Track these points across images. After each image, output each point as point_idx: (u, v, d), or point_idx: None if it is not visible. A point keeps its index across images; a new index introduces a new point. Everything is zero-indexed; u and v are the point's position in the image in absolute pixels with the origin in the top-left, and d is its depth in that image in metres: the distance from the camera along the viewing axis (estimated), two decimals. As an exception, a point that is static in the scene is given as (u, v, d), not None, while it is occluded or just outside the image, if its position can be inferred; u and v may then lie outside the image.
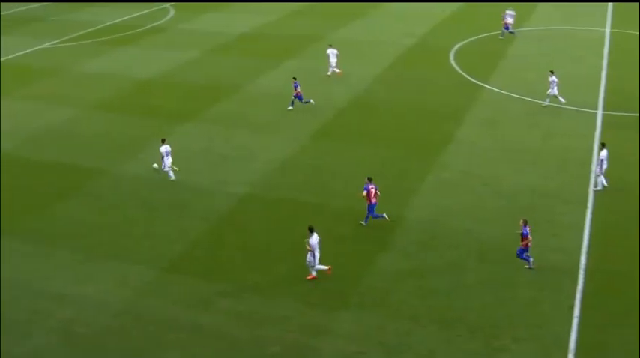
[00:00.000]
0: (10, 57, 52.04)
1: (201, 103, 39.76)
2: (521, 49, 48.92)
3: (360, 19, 59.18)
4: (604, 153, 27.91)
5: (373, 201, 25.82)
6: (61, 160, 32.83)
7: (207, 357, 19.78)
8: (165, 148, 30.04)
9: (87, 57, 50.93)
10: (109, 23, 62.18)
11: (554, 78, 36.79)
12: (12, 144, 35.12)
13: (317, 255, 22.88)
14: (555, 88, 36.88)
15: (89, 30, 59.81)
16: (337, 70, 43.57)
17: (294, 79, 38.03)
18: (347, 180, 29.76)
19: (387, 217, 26.15)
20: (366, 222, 26.19)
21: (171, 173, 30.16)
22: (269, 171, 30.85)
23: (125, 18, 63.97)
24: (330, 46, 44.21)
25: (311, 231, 22.86)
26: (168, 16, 64.12)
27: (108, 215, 27.64)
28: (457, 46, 49.48)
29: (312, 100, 37.97)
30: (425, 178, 29.79)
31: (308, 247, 22.88)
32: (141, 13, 65.99)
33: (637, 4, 59.81)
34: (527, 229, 22.72)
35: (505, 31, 51.63)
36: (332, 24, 57.20)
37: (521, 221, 22.91)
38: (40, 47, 54.58)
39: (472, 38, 51.48)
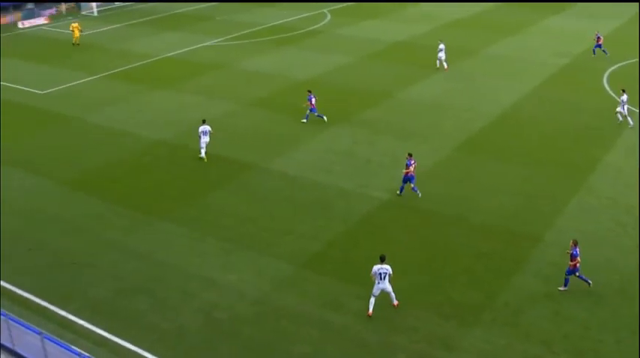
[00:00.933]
0: (178, 52, 54.77)
1: (351, 107, 40.13)
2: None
3: (515, 36, 57.61)
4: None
5: (412, 173, 28.76)
6: (217, 152, 34.15)
7: (335, 356, 19.98)
8: (203, 128, 32.93)
9: (248, 55, 52.71)
10: (270, 24, 64.02)
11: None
12: (175, 133, 36.97)
13: (380, 285, 21.37)
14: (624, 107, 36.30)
15: (251, 30, 61.82)
16: (445, 65, 46.99)
17: (309, 91, 37.73)
18: (488, 195, 29.13)
19: (419, 193, 28.85)
20: (414, 190, 28.90)
21: (202, 151, 33.01)
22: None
23: (286, 20, 65.62)
24: (440, 42, 48.13)
25: (382, 259, 21.40)
26: (325, 20, 65.16)
27: (254, 208, 28.51)
28: (612, 69, 47.14)
29: (325, 117, 37.57)
30: (568, 201, 28.62)
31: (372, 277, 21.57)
32: (301, 16, 67.46)
33: None
34: (577, 250, 22.26)
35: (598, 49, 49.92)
36: (486, 38, 56.04)
37: (572, 241, 22.48)
38: (205, 44, 57.03)
39: (630, 61, 48.86)
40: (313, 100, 37.32)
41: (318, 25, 62.96)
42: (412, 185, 28.94)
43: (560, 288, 22.67)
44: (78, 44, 58.44)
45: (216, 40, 58.08)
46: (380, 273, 21.31)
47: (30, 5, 72.13)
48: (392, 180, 30.61)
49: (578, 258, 22.30)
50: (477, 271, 23.84)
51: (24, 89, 45.80)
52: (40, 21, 69.04)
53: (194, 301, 22.52)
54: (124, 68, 50.43)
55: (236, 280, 23.59)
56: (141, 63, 51.82)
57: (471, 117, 38.32)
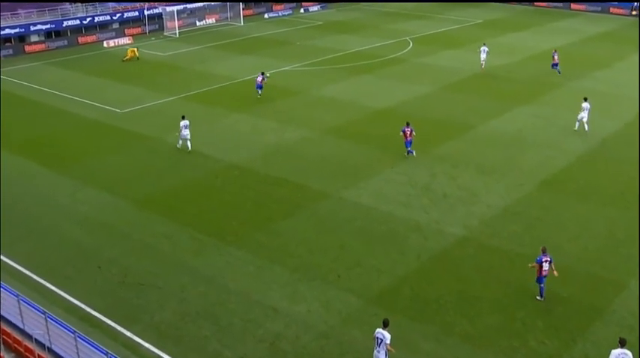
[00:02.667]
0: (256, 75, 55.42)
1: (430, 138, 39.68)
2: None
3: (604, 69, 56.18)
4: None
5: (409, 138, 36.24)
6: (290, 178, 34.24)
7: (401, 397, 19.47)
8: (183, 123, 37.48)
9: (326, 81, 52.97)
10: (350, 51, 64.30)
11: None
12: (247, 156, 37.29)
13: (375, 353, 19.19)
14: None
15: (331, 56, 62.21)
16: (482, 66, 55.00)
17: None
18: (570, 237, 28.16)
19: (414, 153, 36.39)
20: (410, 153, 36.21)
21: (180, 141, 37.56)
22: (489, 216, 29.98)
23: (367, 47, 65.78)
24: (484, 44, 56.20)
25: (385, 325, 19.39)
26: (408, 48, 65.02)
27: (324, 238, 28.32)
28: None
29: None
30: (657, 248, 27.37)
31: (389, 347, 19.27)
32: (382, 43, 67.51)
33: None
34: (542, 257, 23.48)
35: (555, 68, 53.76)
36: (574, 72, 54.69)
37: (541, 248, 24.06)
38: (284, 69, 57.66)
39: None
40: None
41: (400, 53, 62.85)
42: (408, 148, 36.36)
43: (537, 297, 23.73)
44: (126, 60, 61.51)
45: (294, 65, 58.65)
46: (376, 338, 19.29)
47: (115, 25, 74.69)
48: (469, 216, 29.98)
49: (537, 265, 23.55)
50: (554, 316, 22.95)
51: (103, 107, 47.16)
52: (125, 41, 71.26)
53: (258, 330, 22.39)
54: (202, 90, 51.39)
55: (302, 311, 23.37)
56: (219, 85, 52.73)
57: (553, 153, 37.33)
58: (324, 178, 34.31)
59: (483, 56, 55.53)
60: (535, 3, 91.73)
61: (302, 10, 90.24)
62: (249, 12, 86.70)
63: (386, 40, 69.01)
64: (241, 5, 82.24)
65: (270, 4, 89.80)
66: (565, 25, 77.73)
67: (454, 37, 70.50)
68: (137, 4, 77.29)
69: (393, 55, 62.11)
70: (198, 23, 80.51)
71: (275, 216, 30.27)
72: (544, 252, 23.86)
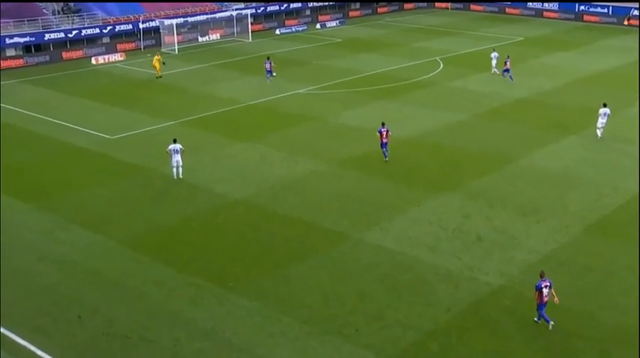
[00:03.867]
0: (265, 99, 55.88)
1: (463, 173, 39.64)
2: None
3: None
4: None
5: (384, 140, 40.70)
6: (302, 216, 34.23)
7: None
8: (173, 147, 38.41)
9: (344, 107, 53.20)
10: (373, 72, 64.63)
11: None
12: (254, 191, 37.38)
13: None
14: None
15: (351, 77, 62.58)
16: (497, 72, 61.37)
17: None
18: (625, 290, 27.85)
19: (387, 159, 40.79)
20: (385, 157, 40.84)
21: (174, 170, 38.43)
22: (530, 264, 29.76)
23: (391, 68, 66.13)
24: (494, 50, 63.69)
25: None
26: (437, 70, 65.30)
27: (341, 286, 28.19)
28: None
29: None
30: None
31: None
32: (408, 64, 67.88)
33: None
34: (542, 283, 24.61)
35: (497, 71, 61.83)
36: (620, 98, 54.50)
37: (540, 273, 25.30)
38: (297, 92, 57.98)
39: None
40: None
41: (428, 76, 63.12)
42: (383, 150, 40.70)
43: (535, 319, 25.13)
44: (159, 76, 62.87)
45: (309, 88, 58.96)
46: None
47: (105, 39, 75.54)
48: (507, 263, 29.79)
49: (537, 292, 24.68)
50: (607, 382, 22.61)
51: (90, 133, 47.56)
52: (116, 57, 72.07)
53: (264, 392, 22.21)
54: (204, 114, 51.77)
55: (314, 370, 23.20)
56: (223, 109, 53.10)
57: (605, 191, 37.13)
58: (342, 217, 34.27)
59: (494, 62, 62.28)
60: (585, 17, 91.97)
61: (318, 26, 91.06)
62: (258, 27, 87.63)
63: (413, 61, 69.36)
64: (249, 20, 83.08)
65: (282, 18, 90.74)
66: (617, 43, 77.97)
67: (489, 56, 70.73)
68: (131, 16, 78.27)
69: (421, 78, 62.35)
70: (200, 39, 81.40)
71: (285, 260, 30.19)
72: (542, 276, 24.94)
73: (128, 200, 36.85)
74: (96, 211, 35.43)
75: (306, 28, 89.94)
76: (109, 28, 75.88)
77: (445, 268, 29.48)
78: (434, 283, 28.39)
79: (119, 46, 75.59)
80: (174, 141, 39.02)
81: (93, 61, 70.80)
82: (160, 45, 77.34)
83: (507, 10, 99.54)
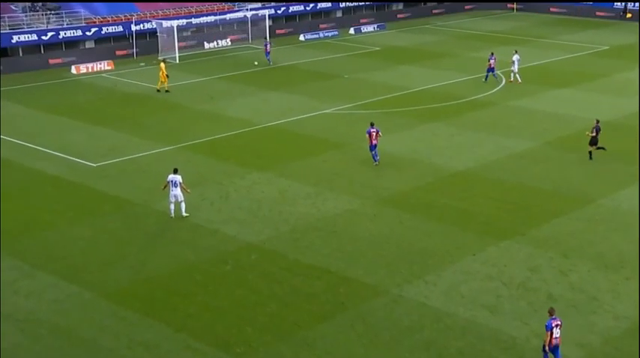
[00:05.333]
0: (286, 120, 56.06)
1: (530, 215, 39.38)
2: None
3: None
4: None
5: (374, 141, 45.20)
6: (329, 266, 34.04)
7: None
8: (172, 178, 38.49)
9: (382, 130, 52.91)
10: (417, 89, 64.71)
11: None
12: (269, 235, 37.29)
13: None
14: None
15: (390, 95, 62.74)
16: (518, 77, 64.84)
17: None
18: None
19: (377, 161, 45.51)
20: (374, 160, 45.69)
21: (172, 206, 38.68)
22: (617, 333, 29.33)
23: (440, 84, 66.14)
24: (515, 52, 65.82)
25: None
26: (499, 87, 65.22)
27: (376, 353, 27.94)
28: None
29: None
30: None
31: None
32: (463, 78, 67.98)
33: None
34: (552, 322, 25.60)
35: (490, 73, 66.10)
36: None
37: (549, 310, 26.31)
38: (324, 111, 58.08)
39: None
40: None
41: (487, 93, 63.05)
42: (373, 152, 45.19)
43: None
44: (167, 90, 63.59)
45: (339, 107, 59.03)
46: None
47: (89, 44, 76.10)
48: (587, 330, 29.38)
49: (548, 333, 25.55)
50: None
51: (69, 159, 47.88)
52: (102, 66, 72.62)
53: None
54: (209, 138, 52.00)
55: None
56: (233, 132, 53.31)
57: None
58: (378, 267, 34.09)
59: (515, 67, 64.96)
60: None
61: (352, 31, 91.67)
62: (279, 31, 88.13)
63: (468, 74, 69.39)
64: (267, 22, 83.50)
65: (307, 21, 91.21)
66: None
67: (566, 70, 70.61)
68: (121, 16, 78.90)
69: (478, 96, 62.33)
70: (207, 45, 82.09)
71: (306, 320, 30.02)
72: (552, 314, 25.91)
73: (112, 242, 36.83)
74: (70, 256, 35.39)
75: (337, 33, 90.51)
76: (93, 29, 76.66)
77: (508, 335, 29.12)
78: (493, 354, 28.03)
79: (106, 53, 76.24)
80: (175, 172, 38.97)
81: (73, 69, 71.50)
82: (157, 52, 77.91)
83: (586, 11, 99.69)
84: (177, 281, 33.18)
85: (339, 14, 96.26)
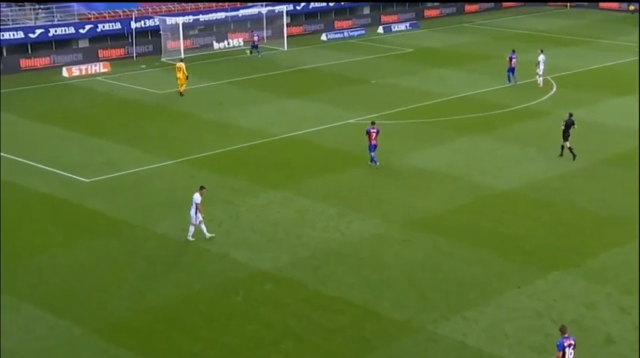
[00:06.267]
0: (305, 131, 56.00)
1: (585, 243, 39.15)
2: None
3: None
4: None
5: (373, 142, 47.62)
6: (354, 299, 33.88)
7: None
8: (196, 197, 38.59)
9: (413, 144, 53.10)
10: (455, 96, 64.61)
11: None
12: (286, 261, 37.20)
13: None
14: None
15: (424, 103, 62.65)
16: (540, 81, 66.43)
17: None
18: None
19: (377, 164, 48.14)
20: (374, 162, 48.14)
21: (192, 228, 38.85)
22: (684, 379, 29.11)
23: (481, 90, 65.95)
24: (541, 52, 67.01)
25: None
26: (549, 94, 65.02)
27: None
28: None
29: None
30: None
31: None
32: (508, 84, 67.60)
33: None
34: (563, 341, 26.63)
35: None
36: None
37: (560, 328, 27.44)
38: (347, 121, 58.05)
39: None
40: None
41: (535, 102, 62.83)
42: (372, 154, 47.71)
43: None
44: (182, 94, 64.39)
45: (365, 117, 58.83)
46: None
47: (82, 43, 76.17)
48: (649, 374, 29.10)
49: (560, 353, 26.47)
50: None
51: (59, 173, 47.94)
52: (97, 68, 72.74)
53: None
54: (218, 150, 52.03)
55: None
56: (245, 144, 53.30)
57: None
58: (410, 300, 33.96)
59: (541, 68, 66.60)
60: None
61: (380, 30, 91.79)
62: (297, 30, 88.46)
63: (517, 80, 69.09)
64: (285, 20, 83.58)
65: (330, 19, 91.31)
66: None
67: (628, 75, 70.17)
68: (120, 12, 79.12)
69: (525, 105, 62.17)
70: (216, 45, 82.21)
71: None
72: (564, 332, 26.93)
73: (106, 268, 36.74)
74: (60, 284, 35.32)
75: (363, 32, 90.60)
76: (88, 27, 76.88)
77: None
78: None
79: (102, 53, 76.57)
80: (201, 189, 39.22)
81: (65, 72, 71.70)
82: (161, 52, 78.08)
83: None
84: (179, 313, 33.10)
85: (366, 11, 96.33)
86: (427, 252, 38.33)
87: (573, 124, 50.04)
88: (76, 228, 40.97)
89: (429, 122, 57.85)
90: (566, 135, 50.07)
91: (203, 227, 38.91)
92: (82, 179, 47.13)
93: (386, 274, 36.22)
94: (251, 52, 79.40)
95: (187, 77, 64.41)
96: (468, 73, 72.07)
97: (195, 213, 38.59)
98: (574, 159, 49.44)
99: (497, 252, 38.13)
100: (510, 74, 67.91)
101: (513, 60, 67.42)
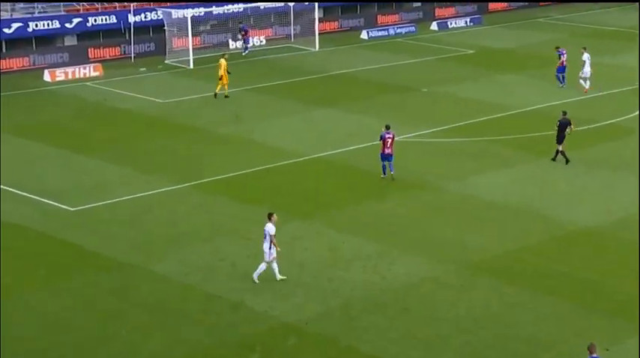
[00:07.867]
0: (341, 149, 55.95)
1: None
2: None
3: None
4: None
5: (387, 150, 49.47)
6: (395, 357, 33.73)
7: None
8: (268, 228, 38.80)
9: (476, 166, 53.02)
10: (528, 108, 64.82)
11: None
12: (317, 309, 37.15)
13: None
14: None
15: (486, 117, 62.59)
16: (584, 84, 68.88)
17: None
18: None
19: (393, 173, 49.87)
20: (386, 172, 50.27)
21: (263, 266, 38.98)
22: None
23: (559, 102, 65.81)
24: (585, 50, 69.65)
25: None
26: (641, 108, 64.96)
27: None
28: None
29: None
30: None
31: None
32: (592, 95, 67.51)
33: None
34: None
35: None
36: None
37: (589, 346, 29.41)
38: (395, 138, 57.94)
39: None
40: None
41: (625, 117, 62.62)
42: (389, 162, 49.73)
43: None
44: (227, 96, 66.02)
45: (414, 133, 58.95)
46: None
47: (69, 40, 76.33)
48: None
49: None
50: None
51: (41, 201, 48.11)
52: (87, 71, 72.93)
53: None
54: (234, 173, 52.34)
55: None
56: (267, 166, 53.52)
57: None
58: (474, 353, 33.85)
59: (587, 70, 69.10)
60: None
61: (434, 26, 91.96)
62: (332, 26, 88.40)
63: (598, 89, 68.92)
64: (317, 14, 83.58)
65: (372, 13, 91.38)
66: None
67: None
68: (115, 4, 79.28)
69: (613, 121, 62.01)
70: (232, 44, 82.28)
71: None
72: (592, 352, 28.99)
73: (93, 318, 36.68)
74: (35, 338, 35.16)
75: (414, 29, 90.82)
76: (76, 21, 77.21)
77: None
78: None
79: (93, 53, 76.93)
80: (270, 217, 39.32)
81: (47, 76, 72.08)
82: (165, 52, 78.28)
83: None
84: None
85: (416, 3, 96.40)
86: (488, 302, 38.17)
87: (569, 124, 52.91)
88: (56, 267, 40.92)
89: (492, 141, 57.74)
90: (560, 137, 53.06)
91: (275, 266, 38.90)
92: (66, 207, 47.24)
93: (437, 328, 36.06)
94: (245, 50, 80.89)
95: (229, 72, 66.10)
96: (541, 80, 71.89)
97: (270, 247, 38.55)
98: (567, 163, 52.77)
99: (578, 303, 37.93)
100: (560, 75, 69.52)
101: (563, 57, 68.69)
